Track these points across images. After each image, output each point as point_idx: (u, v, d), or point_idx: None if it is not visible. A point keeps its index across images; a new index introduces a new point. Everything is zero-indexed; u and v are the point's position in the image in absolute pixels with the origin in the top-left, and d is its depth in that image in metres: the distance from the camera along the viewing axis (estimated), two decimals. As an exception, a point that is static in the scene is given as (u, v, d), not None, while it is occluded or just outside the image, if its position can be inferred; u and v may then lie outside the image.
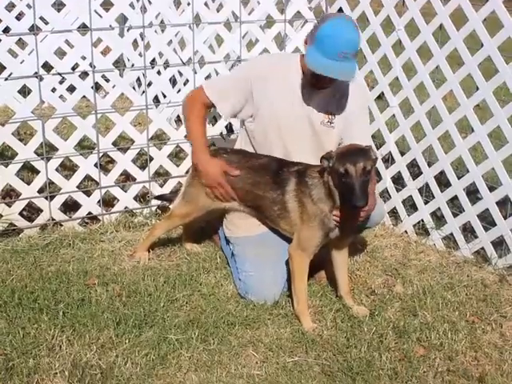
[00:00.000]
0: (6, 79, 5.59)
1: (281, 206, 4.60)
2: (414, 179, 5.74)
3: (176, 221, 5.14)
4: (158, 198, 5.82)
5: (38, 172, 5.54)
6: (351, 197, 4.12)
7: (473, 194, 5.62)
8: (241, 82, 4.79)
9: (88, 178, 5.90)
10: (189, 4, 5.87)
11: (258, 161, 4.81)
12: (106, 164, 6.56)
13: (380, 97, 6.05)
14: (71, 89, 6.27)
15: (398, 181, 5.96)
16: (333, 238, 4.49)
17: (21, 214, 5.53)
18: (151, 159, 5.88)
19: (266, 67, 4.80)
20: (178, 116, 7.69)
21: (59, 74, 5.52)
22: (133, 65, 6.40)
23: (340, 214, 4.34)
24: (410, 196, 5.77)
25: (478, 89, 5.06)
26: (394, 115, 5.82)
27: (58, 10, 5.95)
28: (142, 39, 6.17)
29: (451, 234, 5.47)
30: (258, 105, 4.79)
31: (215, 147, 5.50)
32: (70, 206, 5.83)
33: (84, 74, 5.74)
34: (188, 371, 3.93)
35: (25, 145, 5.46)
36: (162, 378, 3.87)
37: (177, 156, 6.78)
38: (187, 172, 5.27)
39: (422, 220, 5.70)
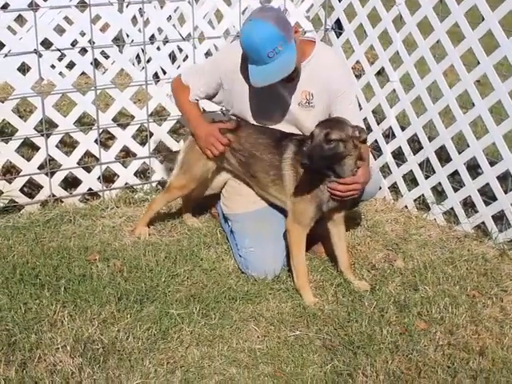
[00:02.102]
0: (6, 56, 5.55)
1: (276, 172, 4.62)
2: (414, 154, 5.73)
3: (175, 193, 5.14)
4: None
5: (38, 148, 5.53)
6: (303, 155, 4.22)
7: (473, 168, 5.61)
8: (211, 76, 4.88)
9: (88, 154, 5.90)
10: (188, -21, 5.84)
11: (263, 128, 4.83)
12: (105, 140, 6.57)
13: (380, 72, 6.02)
14: (70, 65, 6.25)
15: (398, 156, 5.95)
16: (326, 211, 4.50)
17: (21, 190, 5.53)
18: (151, 135, 5.87)
19: (234, 61, 4.75)
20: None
21: (58, 50, 5.49)
22: (132, 41, 6.38)
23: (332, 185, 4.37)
24: (411, 171, 5.76)
25: (478, 63, 5.04)
26: (394, 90, 5.80)
27: (57, -14, 5.92)
28: (141, 15, 6.15)
29: (452, 209, 5.47)
30: (231, 96, 4.89)
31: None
32: (71, 183, 5.84)
33: (83, 51, 5.72)
34: (189, 346, 3.95)
35: (24, 121, 5.45)
36: (164, 352, 3.88)
37: (177, 132, 6.77)
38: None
39: (423, 195, 5.70)
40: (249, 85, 4.68)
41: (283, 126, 4.82)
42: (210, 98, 5.02)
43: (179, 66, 6.60)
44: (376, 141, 5.95)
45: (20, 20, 7.60)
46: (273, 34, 4.32)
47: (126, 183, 5.88)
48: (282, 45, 4.33)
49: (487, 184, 5.17)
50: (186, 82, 4.94)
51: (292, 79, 4.63)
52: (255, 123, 4.87)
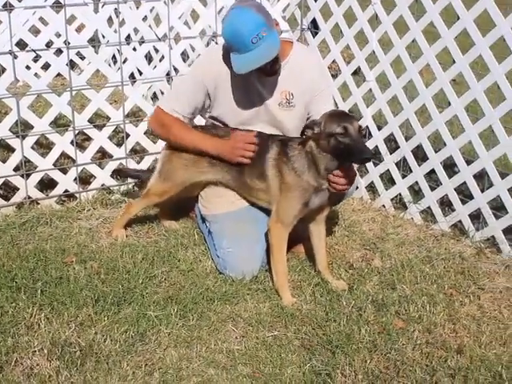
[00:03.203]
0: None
1: (261, 175, 4.59)
2: (391, 153, 5.74)
3: (153, 198, 5.10)
4: (118, 172, 5.77)
5: (13, 150, 5.50)
6: (357, 152, 4.14)
7: (450, 167, 5.63)
8: (195, 90, 4.78)
9: (64, 155, 5.89)
10: (163, -21, 5.83)
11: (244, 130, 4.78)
12: (82, 141, 6.54)
13: (356, 71, 6.04)
14: (46, 66, 6.22)
15: (375, 155, 5.94)
16: (311, 210, 4.50)
17: (-3, 192, 5.50)
18: (127, 136, 5.84)
19: (213, 68, 4.72)
20: (155, 93, 7.69)
21: (33, 50, 5.46)
22: (108, 41, 6.35)
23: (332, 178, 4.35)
24: (388, 170, 5.78)
25: (454, 62, 5.06)
26: (370, 90, 5.82)
27: (32, -13, 5.89)
28: (117, 15, 6.13)
29: (429, 208, 5.48)
30: (213, 101, 4.83)
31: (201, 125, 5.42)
32: (47, 184, 5.80)
33: (59, 52, 5.68)
34: (167, 347, 3.93)
35: (-1, 123, 5.42)
36: (142, 354, 3.86)
37: (153, 133, 6.73)
38: (164, 148, 5.23)
39: (400, 194, 5.71)
40: (231, 87, 4.70)
41: (264, 128, 4.80)
42: (199, 111, 4.96)
43: (155, 67, 6.55)
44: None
45: (-6, 21, 7.54)
46: (256, 19, 4.36)
47: (103, 184, 5.84)
48: (266, 31, 4.36)
49: (464, 183, 5.20)
50: (170, 107, 4.80)
51: (274, 72, 4.64)
52: (235, 125, 4.85)
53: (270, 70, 4.59)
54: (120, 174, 5.77)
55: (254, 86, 4.71)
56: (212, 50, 4.95)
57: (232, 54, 4.47)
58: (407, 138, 5.57)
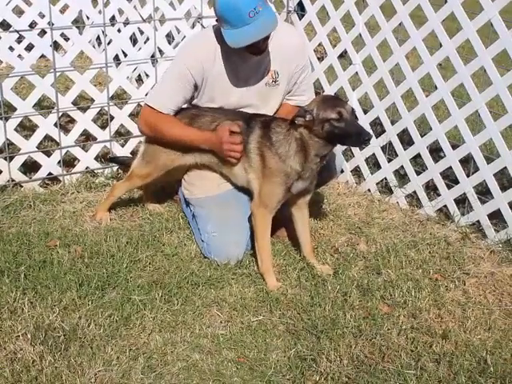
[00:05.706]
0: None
1: (244, 156, 4.54)
2: (377, 137, 5.72)
3: (136, 181, 5.08)
4: (113, 160, 5.75)
5: (-4, 132, 5.45)
6: (356, 134, 4.18)
7: (436, 152, 5.63)
8: (183, 83, 4.69)
9: (48, 138, 5.84)
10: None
11: (228, 111, 4.75)
12: (66, 124, 6.49)
13: (342, 55, 6.01)
14: (29, 48, 6.15)
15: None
16: (294, 195, 4.50)
17: (-21, 175, 5.44)
18: (112, 118, 5.80)
19: (198, 61, 4.62)
20: (139, 75, 7.64)
21: (17, 31, 5.41)
22: (92, 22, 6.29)
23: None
24: (373, 154, 5.77)
25: (441, 46, 5.04)
26: (356, 73, 5.79)
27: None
28: (102, -4, 6.07)
29: (414, 192, 5.48)
30: (202, 92, 4.77)
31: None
32: (30, 167, 5.76)
33: (42, 33, 5.63)
34: (152, 332, 3.92)
35: (-18, 105, 5.36)
36: (126, 338, 3.85)
37: (138, 115, 6.68)
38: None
39: (385, 178, 5.71)
40: (218, 75, 4.65)
41: (248, 109, 4.77)
42: (188, 102, 4.87)
43: (140, 49, 6.49)
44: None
45: (-23, 2, 7.46)
46: None
47: (87, 167, 5.81)
48: (262, 5, 4.30)
49: (449, 167, 5.19)
50: (159, 103, 4.72)
51: (263, 50, 4.57)
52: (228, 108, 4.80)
53: (261, 47, 4.53)
54: (113, 161, 5.73)
55: (240, 70, 4.66)
56: (195, 40, 4.85)
57: (226, 30, 4.37)
58: (393, 122, 5.56)
